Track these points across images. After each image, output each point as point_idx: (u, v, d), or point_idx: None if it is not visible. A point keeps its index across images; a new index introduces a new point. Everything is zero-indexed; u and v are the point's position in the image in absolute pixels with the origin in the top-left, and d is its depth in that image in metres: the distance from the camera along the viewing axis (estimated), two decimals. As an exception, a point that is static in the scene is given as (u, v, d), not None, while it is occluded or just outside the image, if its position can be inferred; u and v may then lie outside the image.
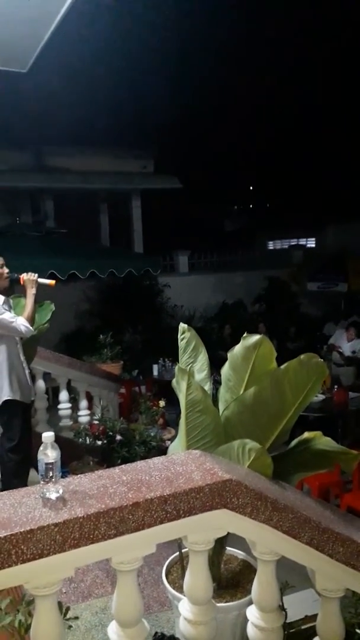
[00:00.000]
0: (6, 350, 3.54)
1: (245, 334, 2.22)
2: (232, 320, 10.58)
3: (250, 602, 1.88)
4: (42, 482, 1.52)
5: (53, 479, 1.51)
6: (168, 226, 15.96)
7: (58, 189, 12.42)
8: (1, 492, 1.62)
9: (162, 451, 4.30)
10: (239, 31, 9.24)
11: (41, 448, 1.51)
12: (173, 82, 10.40)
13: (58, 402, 5.29)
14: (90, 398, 5.56)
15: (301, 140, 14.16)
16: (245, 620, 1.87)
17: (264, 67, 10.47)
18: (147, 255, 11.76)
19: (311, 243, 16.85)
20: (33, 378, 4.38)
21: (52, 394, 6.44)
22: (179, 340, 2.54)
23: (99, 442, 4.55)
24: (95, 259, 8.44)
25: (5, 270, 3.60)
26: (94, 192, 13.13)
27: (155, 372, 8.39)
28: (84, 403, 5.36)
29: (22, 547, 1.34)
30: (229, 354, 2.33)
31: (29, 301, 3.63)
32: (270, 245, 18.91)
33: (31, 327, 3.57)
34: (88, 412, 5.34)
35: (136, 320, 9.90)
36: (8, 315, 3.47)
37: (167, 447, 3.13)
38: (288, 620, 2.04)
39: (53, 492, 1.51)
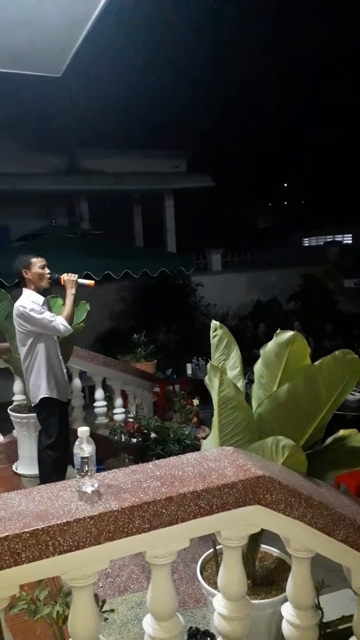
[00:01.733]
0: (45, 349, 3.61)
1: (278, 331, 2.20)
2: (267, 318, 10.49)
3: (285, 600, 1.87)
4: (78, 476, 1.55)
5: (89, 473, 1.54)
6: (201, 225, 15.96)
7: (92, 191, 12.61)
8: (39, 486, 1.67)
9: (197, 449, 4.31)
10: (273, 28, 9.15)
11: (77, 442, 1.54)
12: (205, 81, 10.40)
13: (94, 400, 5.37)
14: (125, 396, 5.63)
15: (336, 135, 13.90)
16: (281, 617, 1.86)
17: (298, 63, 10.35)
18: (180, 254, 11.80)
19: (348, 239, 16.54)
20: (70, 377, 4.47)
21: (88, 392, 6.55)
22: (211, 338, 2.54)
23: (134, 440, 4.60)
24: (128, 259, 8.53)
25: (47, 271, 3.68)
26: (127, 193, 13.27)
27: (189, 371, 8.42)
28: (119, 401, 5.42)
29: (59, 538, 1.38)
30: (261, 351, 2.32)
31: (68, 301, 3.69)
32: (305, 242, 18.65)
33: (70, 327, 3.64)
34: (123, 410, 5.41)
35: (170, 319, 9.95)
36: (48, 315, 3.55)
37: (201, 445, 3.15)
38: (325, 620, 2.02)
39: (89, 485, 1.54)
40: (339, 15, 8.69)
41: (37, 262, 3.63)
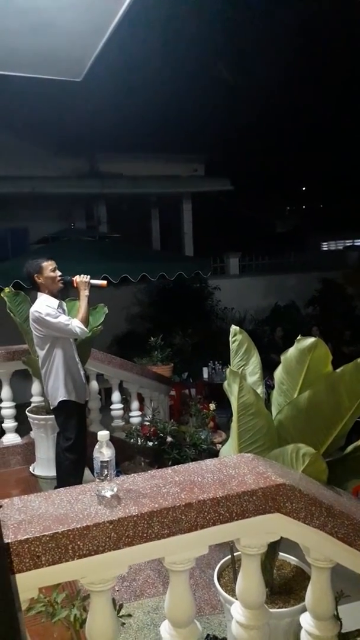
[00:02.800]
0: (62, 352, 3.63)
1: (299, 337, 2.18)
2: (285, 323, 10.42)
3: (303, 609, 1.85)
4: (97, 480, 1.55)
5: (108, 477, 1.54)
6: (219, 228, 15.93)
7: (111, 194, 12.68)
8: (59, 489, 1.67)
9: (213, 454, 4.30)
10: (294, 30, 9.11)
11: (97, 446, 1.54)
12: (225, 85, 10.39)
13: (110, 403, 5.38)
14: (141, 399, 5.63)
15: (354, 139, 13.77)
16: (299, 627, 1.84)
17: (320, 66, 10.29)
18: (198, 258, 11.80)
19: (367, 244, 16.37)
20: (87, 379, 4.49)
21: (105, 394, 6.58)
22: (230, 343, 2.52)
23: (150, 444, 4.60)
24: (146, 262, 8.56)
25: (58, 273, 3.69)
26: (145, 196, 13.33)
27: (205, 375, 8.40)
28: (135, 404, 5.43)
29: (79, 542, 1.38)
30: (282, 357, 2.30)
31: (82, 303, 3.70)
32: (324, 246, 18.49)
33: (86, 329, 3.65)
34: (139, 413, 5.41)
35: (186, 323, 9.95)
36: (63, 318, 3.57)
37: (218, 450, 3.13)
38: (344, 631, 1.99)
39: (108, 490, 1.54)
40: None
41: (48, 266, 3.64)
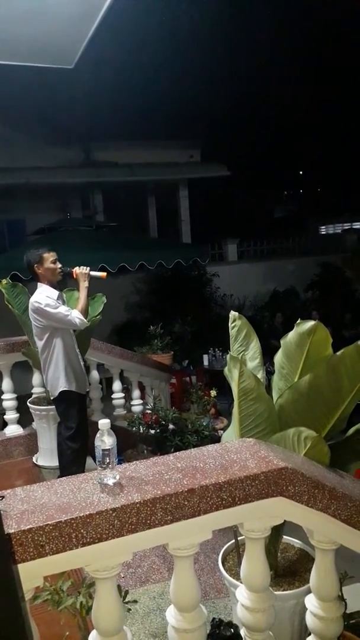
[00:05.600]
0: (62, 342, 3.62)
1: (299, 321, 2.17)
2: (284, 308, 10.41)
3: (308, 591, 1.86)
4: (99, 468, 1.55)
5: (110, 465, 1.54)
6: (216, 215, 15.85)
7: (106, 183, 12.59)
8: (61, 478, 1.67)
9: (215, 440, 4.31)
10: (287, 13, 8.98)
11: (98, 435, 1.54)
12: (219, 70, 10.27)
13: (111, 392, 5.39)
14: (142, 388, 5.64)
15: (352, 121, 13.65)
16: (304, 609, 1.85)
17: (315, 48, 10.16)
18: (195, 245, 11.74)
19: (366, 226, 16.29)
20: (87, 369, 4.48)
21: (106, 384, 6.58)
22: (230, 329, 2.51)
23: (152, 431, 4.61)
24: (144, 250, 8.51)
25: (58, 265, 3.68)
26: (141, 184, 13.22)
27: (206, 362, 8.41)
28: (136, 393, 5.44)
29: (82, 531, 1.38)
30: (282, 341, 2.29)
31: (82, 294, 3.68)
32: (323, 230, 18.39)
33: (85, 320, 3.64)
34: (141, 401, 5.42)
35: (185, 310, 9.93)
36: (63, 309, 3.55)
37: (219, 437, 3.13)
38: (348, 611, 2.00)
39: (110, 477, 1.54)
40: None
41: (49, 257, 3.62)
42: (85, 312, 3.65)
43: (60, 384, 3.63)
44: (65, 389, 3.63)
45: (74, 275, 3.72)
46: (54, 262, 3.64)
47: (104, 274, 3.88)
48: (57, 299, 3.62)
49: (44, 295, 3.55)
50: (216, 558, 2.37)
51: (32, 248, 3.71)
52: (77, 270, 3.72)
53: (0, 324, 4.80)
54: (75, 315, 3.54)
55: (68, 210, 12.89)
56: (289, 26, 9.33)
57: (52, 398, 3.76)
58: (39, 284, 3.67)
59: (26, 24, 3.96)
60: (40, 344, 3.65)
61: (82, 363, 3.83)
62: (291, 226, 17.17)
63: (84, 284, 3.70)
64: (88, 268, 3.75)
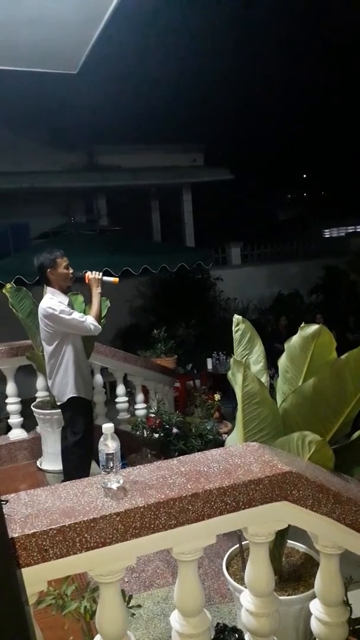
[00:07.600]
0: (73, 349, 3.60)
1: (303, 324, 2.17)
2: (288, 311, 10.38)
3: (313, 596, 1.85)
4: (103, 472, 1.55)
5: (114, 470, 1.54)
6: (220, 218, 15.86)
7: (110, 187, 12.63)
8: (65, 482, 1.67)
9: (219, 444, 4.30)
10: (292, 19, 9.00)
11: (101, 439, 1.54)
12: (222, 74, 10.30)
13: (115, 396, 5.39)
14: (146, 392, 5.63)
15: (354, 124, 13.64)
16: (309, 614, 1.84)
17: (320, 51, 10.17)
18: (199, 248, 11.74)
19: (370, 229, 16.25)
20: (92, 373, 4.48)
21: (110, 388, 6.59)
22: (233, 332, 2.51)
23: (156, 435, 4.60)
24: (147, 254, 8.52)
25: (70, 270, 3.65)
26: (145, 188, 13.26)
27: (210, 366, 8.39)
28: (140, 397, 5.44)
29: (86, 535, 1.38)
30: (286, 345, 2.29)
31: (95, 300, 3.65)
32: (327, 234, 18.36)
33: (99, 326, 3.63)
34: (144, 405, 5.42)
35: (189, 314, 9.93)
36: (77, 315, 3.53)
37: (224, 440, 3.13)
38: (353, 616, 1.99)
39: (114, 482, 1.54)
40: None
41: (62, 263, 3.60)
42: (98, 318, 3.64)
43: (68, 390, 3.61)
44: (74, 395, 3.61)
45: (87, 280, 3.71)
46: (66, 268, 3.63)
47: (116, 279, 3.83)
48: (68, 304, 3.61)
49: (56, 301, 3.52)
50: (220, 563, 2.36)
51: (45, 252, 3.66)
52: (89, 275, 3.70)
53: (3, 328, 4.82)
54: (90, 322, 3.53)
55: (72, 215, 12.92)
56: (293, 30, 9.34)
57: (58, 404, 3.75)
58: (48, 288, 3.64)
59: (30, 30, 3.99)
60: (49, 349, 3.63)
61: (89, 369, 3.82)
62: (295, 229, 17.15)
63: (96, 290, 3.68)
64: (100, 273, 3.73)
